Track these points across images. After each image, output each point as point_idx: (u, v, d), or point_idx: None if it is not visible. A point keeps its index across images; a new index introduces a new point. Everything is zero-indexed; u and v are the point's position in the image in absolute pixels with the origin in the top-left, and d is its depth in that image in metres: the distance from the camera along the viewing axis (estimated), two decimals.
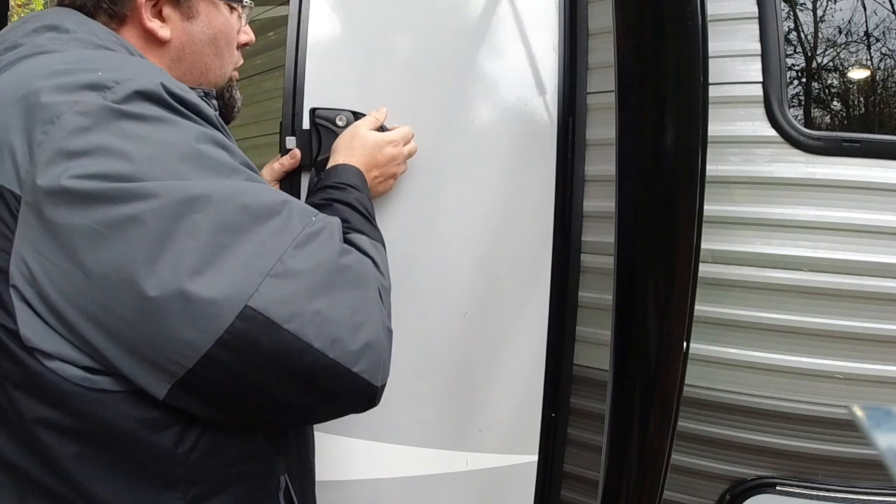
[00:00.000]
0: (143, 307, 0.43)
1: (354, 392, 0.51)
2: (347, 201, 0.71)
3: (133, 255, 0.42)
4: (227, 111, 0.77)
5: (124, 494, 0.49)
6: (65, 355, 0.45)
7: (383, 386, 0.53)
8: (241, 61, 0.77)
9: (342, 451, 1.01)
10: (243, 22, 0.74)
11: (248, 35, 0.75)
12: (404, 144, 0.90)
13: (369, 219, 0.72)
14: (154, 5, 0.62)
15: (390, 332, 0.55)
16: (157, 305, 0.42)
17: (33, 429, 0.45)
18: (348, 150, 0.83)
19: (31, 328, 0.44)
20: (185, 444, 0.50)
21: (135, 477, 0.49)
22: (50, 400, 0.45)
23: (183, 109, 0.49)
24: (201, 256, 0.43)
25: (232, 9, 0.70)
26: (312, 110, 0.91)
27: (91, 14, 0.60)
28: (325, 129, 0.90)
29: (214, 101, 0.69)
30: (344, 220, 0.62)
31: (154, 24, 0.61)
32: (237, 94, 0.78)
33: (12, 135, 0.44)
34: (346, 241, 0.58)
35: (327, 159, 0.85)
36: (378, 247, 0.64)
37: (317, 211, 0.55)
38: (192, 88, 0.62)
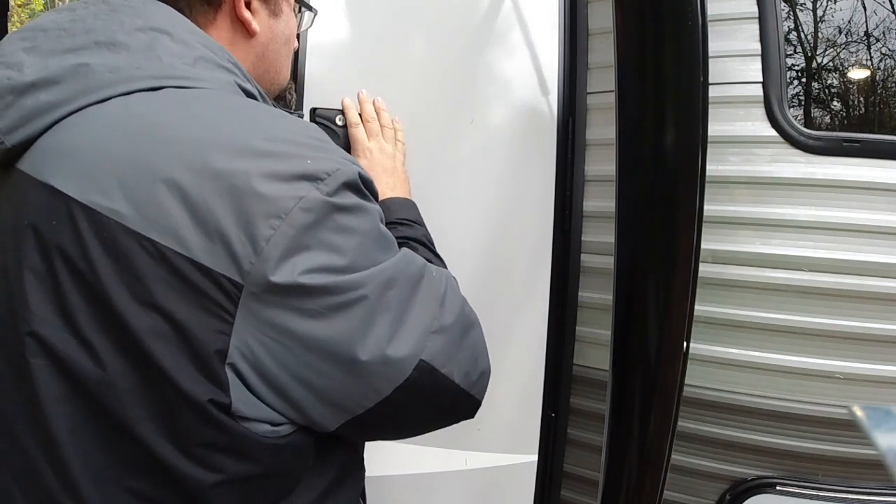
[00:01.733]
0: (354, 369, 0.50)
1: (469, 409, 0.61)
2: (418, 238, 0.76)
3: (351, 330, 0.50)
4: None
5: None
6: (263, 417, 0.50)
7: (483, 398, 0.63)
8: None
9: None
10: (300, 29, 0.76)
11: (296, 43, 0.75)
12: (389, 142, 0.92)
13: (436, 253, 0.77)
14: (249, 11, 0.62)
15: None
16: (365, 367, 0.50)
17: (205, 491, 0.49)
18: (393, 181, 0.86)
19: (241, 400, 0.49)
20: (321, 459, 0.58)
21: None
22: (245, 455, 0.50)
23: (369, 194, 0.55)
24: (393, 325, 0.52)
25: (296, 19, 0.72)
26: (313, 110, 0.91)
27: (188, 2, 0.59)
28: (325, 128, 0.91)
29: (300, 113, 0.75)
30: (427, 260, 0.66)
31: (247, 14, 0.61)
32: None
33: (222, 220, 0.45)
34: None
35: None
36: (451, 283, 0.66)
37: (427, 261, 0.61)
38: (281, 104, 0.70)
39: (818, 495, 0.98)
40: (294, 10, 0.70)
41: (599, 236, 1.08)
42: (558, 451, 1.12)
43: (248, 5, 0.62)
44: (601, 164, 1.08)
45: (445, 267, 0.73)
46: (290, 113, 0.68)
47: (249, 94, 0.58)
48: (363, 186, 0.53)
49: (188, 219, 0.45)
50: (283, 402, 0.51)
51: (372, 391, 0.52)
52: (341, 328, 0.49)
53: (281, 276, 0.46)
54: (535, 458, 1.07)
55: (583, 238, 1.10)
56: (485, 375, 0.61)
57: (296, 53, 0.85)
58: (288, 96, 0.75)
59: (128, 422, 0.46)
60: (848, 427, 0.96)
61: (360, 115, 0.91)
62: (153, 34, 0.53)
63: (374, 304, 0.51)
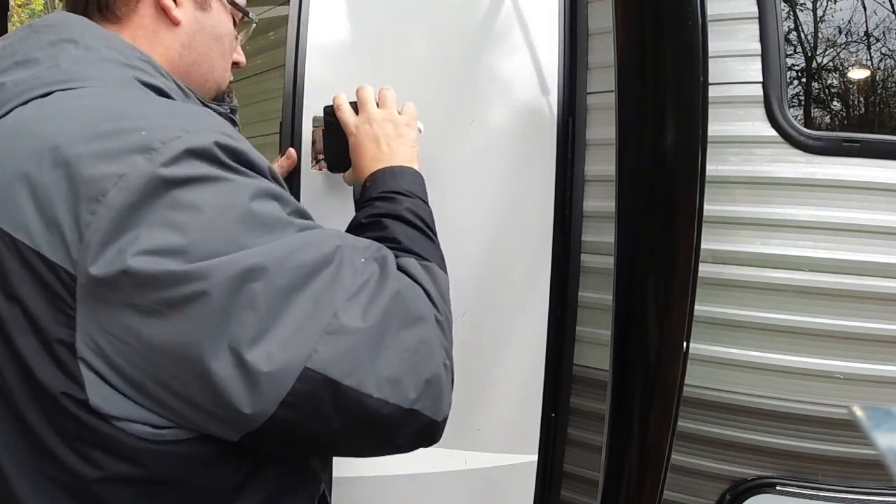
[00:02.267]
0: (209, 382, 0.43)
1: (417, 430, 0.51)
2: (397, 214, 0.65)
3: (195, 332, 0.43)
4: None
5: None
6: (134, 416, 0.46)
7: (445, 419, 0.53)
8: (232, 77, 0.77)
9: None
10: (240, 41, 0.75)
11: (240, 56, 0.75)
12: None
13: (423, 229, 0.66)
14: (179, 5, 0.62)
15: (448, 365, 0.54)
16: (220, 380, 0.43)
17: (91, 485, 0.47)
18: (381, 151, 0.75)
19: (101, 397, 0.45)
20: (241, 471, 0.52)
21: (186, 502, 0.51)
22: (122, 455, 0.46)
23: (236, 165, 0.48)
24: (260, 325, 0.44)
25: (235, 23, 0.71)
26: (326, 108, 0.84)
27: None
28: (334, 126, 0.86)
29: (234, 105, 0.71)
30: (393, 241, 0.60)
31: (170, 8, 0.61)
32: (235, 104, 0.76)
33: (58, 209, 0.43)
34: (398, 267, 0.56)
35: (346, 158, 0.80)
36: (430, 268, 0.59)
37: (368, 244, 0.54)
38: (217, 103, 0.67)
39: (818, 495, 0.98)
40: (228, 13, 0.69)
41: (599, 236, 1.08)
42: (558, 451, 1.12)
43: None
44: (601, 164, 1.08)
45: (434, 252, 0.64)
46: (220, 113, 0.67)
47: (154, 88, 0.55)
48: (225, 155, 0.47)
49: (34, 210, 0.44)
50: (154, 404, 0.46)
51: (247, 413, 0.44)
52: (183, 329, 0.43)
53: (101, 266, 0.42)
54: (535, 457, 1.07)
55: (583, 238, 1.09)
56: (430, 386, 0.51)
57: (297, 57, 0.86)
58: (227, 99, 0.73)
59: (22, 411, 0.46)
60: (848, 427, 0.96)
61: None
62: (61, 45, 0.53)
63: (226, 300, 0.43)
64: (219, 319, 0.43)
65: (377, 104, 0.80)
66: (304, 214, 0.53)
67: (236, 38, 0.73)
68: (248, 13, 0.73)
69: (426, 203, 0.70)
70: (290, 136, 0.95)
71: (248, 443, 0.48)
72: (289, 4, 0.97)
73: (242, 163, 0.49)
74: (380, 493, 1.02)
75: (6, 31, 2.55)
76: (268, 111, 1.67)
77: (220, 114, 0.65)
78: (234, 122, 0.72)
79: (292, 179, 0.94)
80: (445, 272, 0.62)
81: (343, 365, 0.46)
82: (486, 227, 1.02)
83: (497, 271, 1.03)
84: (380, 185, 0.70)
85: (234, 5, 0.70)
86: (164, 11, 0.61)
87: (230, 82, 0.74)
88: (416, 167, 0.74)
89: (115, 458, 0.46)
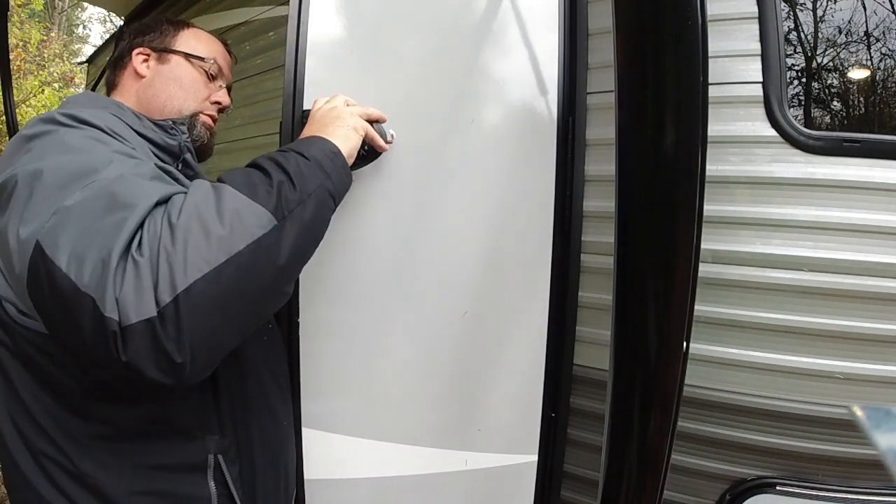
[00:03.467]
0: (8, 251, 0.64)
1: (91, 319, 0.56)
2: (257, 162, 0.75)
3: (6, 217, 0.64)
4: (194, 144, 0.94)
5: (39, 396, 0.71)
6: (9, 297, 0.68)
7: (126, 328, 0.55)
8: (216, 114, 0.98)
9: (342, 450, 1.01)
10: (218, 85, 0.98)
11: (224, 99, 0.98)
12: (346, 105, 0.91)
13: (267, 171, 0.72)
14: (144, 60, 0.94)
15: (138, 259, 0.57)
16: (10, 248, 0.62)
17: None
18: (309, 130, 0.87)
19: None
20: (82, 382, 0.70)
21: (48, 393, 0.71)
22: (3, 325, 0.69)
23: (70, 122, 0.71)
24: (24, 207, 0.62)
25: (203, 70, 0.96)
26: (303, 112, 0.93)
27: (113, 71, 0.96)
28: None
29: (182, 127, 0.91)
30: (232, 175, 0.70)
31: (138, 65, 0.94)
32: (204, 134, 0.95)
33: None
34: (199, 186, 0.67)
35: None
36: (217, 188, 0.66)
37: (100, 166, 0.66)
38: (162, 120, 0.90)
39: (818, 495, 0.98)
40: (188, 60, 0.95)
41: (599, 236, 1.08)
42: (558, 451, 1.12)
43: (146, 61, 0.94)
44: (601, 164, 1.08)
45: (249, 173, 0.71)
46: (200, 146, 0.94)
47: (121, 119, 0.82)
48: (63, 118, 0.72)
49: None
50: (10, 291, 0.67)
51: (16, 265, 0.61)
52: (5, 216, 0.65)
53: None
54: (535, 458, 1.07)
55: (583, 238, 1.09)
56: (105, 265, 0.56)
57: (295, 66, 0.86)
58: (194, 129, 0.94)
59: None
60: (848, 427, 0.96)
61: None
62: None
63: (19, 191, 0.63)
64: (12, 206, 0.63)
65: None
66: (131, 155, 0.71)
67: (213, 78, 0.97)
68: (203, 57, 0.96)
69: (301, 155, 0.77)
70: (291, 135, 0.95)
71: (30, 317, 0.67)
72: (289, 4, 0.97)
73: (78, 121, 0.72)
74: (379, 494, 1.02)
75: (6, 31, 2.55)
76: (268, 111, 1.67)
77: (160, 141, 0.87)
78: (178, 152, 0.90)
79: None
80: (246, 194, 0.66)
81: (51, 237, 0.59)
82: (486, 227, 1.02)
83: (497, 271, 1.03)
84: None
85: (187, 56, 0.95)
86: (135, 70, 0.94)
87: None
88: (332, 140, 0.83)
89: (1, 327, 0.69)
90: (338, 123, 0.86)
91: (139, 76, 0.93)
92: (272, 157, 0.75)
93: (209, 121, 0.97)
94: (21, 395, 0.71)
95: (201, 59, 0.96)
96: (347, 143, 0.84)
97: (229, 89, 1.02)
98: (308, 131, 0.86)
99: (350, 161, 0.84)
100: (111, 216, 0.59)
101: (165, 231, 0.59)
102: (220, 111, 0.99)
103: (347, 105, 0.90)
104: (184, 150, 0.90)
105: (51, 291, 0.58)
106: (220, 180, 0.69)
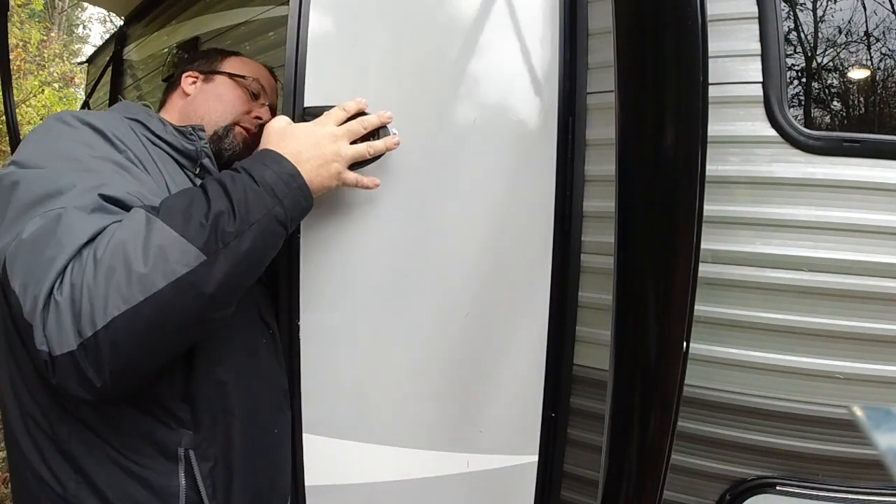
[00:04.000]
0: None
1: (32, 346, 0.64)
2: (205, 185, 0.75)
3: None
4: (220, 151, 1.01)
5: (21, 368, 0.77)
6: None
7: (55, 358, 0.64)
8: (254, 128, 1.06)
9: (343, 455, 1.00)
10: (261, 103, 1.09)
11: (265, 115, 1.07)
12: (337, 125, 0.87)
13: (209, 199, 0.72)
14: (192, 82, 1.06)
15: (58, 298, 0.64)
16: None
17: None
18: (266, 141, 0.86)
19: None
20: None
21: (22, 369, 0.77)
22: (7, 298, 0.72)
23: (73, 123, 0.80)
24: (3, 217, 0.70)
25: (244, 87, 1.06)
26: (304, 109, 0.93)
27: (165, 92, 1.10)
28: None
29: (201, 133, 0.97)
30: (170, 204, 0.72)
31: (186, 86, 1.06)
32: (236, 144, 1.03)
33: None
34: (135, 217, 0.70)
35: None
36: (150, 221, 0.68)
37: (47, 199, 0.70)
38: (183, 126, 0.97)
39: (818, 495, 0.98)
40: (231, 79, 1.06)
41: (599, 236, 1.08)
42: (558, 452, 1.12)
43: (194, 82, 1.06)
44: (601, 164, 1.08)
45: (188, 203, 0.71)
46: (226, 154, 1.01)
47: (145, 125, 0.92)
48: (73, 119, 0.81)
49: None
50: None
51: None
52: None
53: None
54: (535, 458, 1.07)
55: (583, 238, 1.09)
56: (36, 303, 0.64)
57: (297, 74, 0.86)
58: (225, 139, 1.03)
59: None
60: (848, 427, 0.96)
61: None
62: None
63: (3, 190, 0.72)
64: None
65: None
66: (119, 163, 0.79)
67: (256, 97, 1.08)
68: (245, 76, 1.07)
69: (252, 179, 0.76)
70: None
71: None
72: (288, 4, 0.97)
73: (83, 123, 0.80)
74: (380, 499, 1.02)
75: (6, 31, 2.56)
76: None
77: (179, 145, 0.94)
78: (195, 157, 0.96)
79: None
80: (178, 229, 0.68)
81: (11, 259, 0.67)
82: (486, 227, 1.02)
83: (497, 271, 1.03)
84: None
85: (231, 75, 1.07)
86: (182, 89, 1.06)
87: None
88: (284, 155, 0.81)
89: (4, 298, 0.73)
90: (314, 151, 0.83)
91: (185, 95, 1.05)
92: (221, 180, 0.75)
93: (245, 133, 1.04)
94: (17, 356, 0.77)
95: (243, 77, 1.07)
96: (318, 175, 0.82)
97: (273, 109, 1.12)
98: (279, 145, 0.82)
99: (318, 184, 0.83)
100: (48, 252, 0.65)
101: (90, 267, 0.64)
102: (261, 127, 1.00)
103: (339, 125, 0.87)
104: (201, 155, 0.95)
105: (14, 300, 0.67)
106: (161, 205, 0.71)
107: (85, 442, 0.77)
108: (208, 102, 1.03)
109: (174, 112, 1.04)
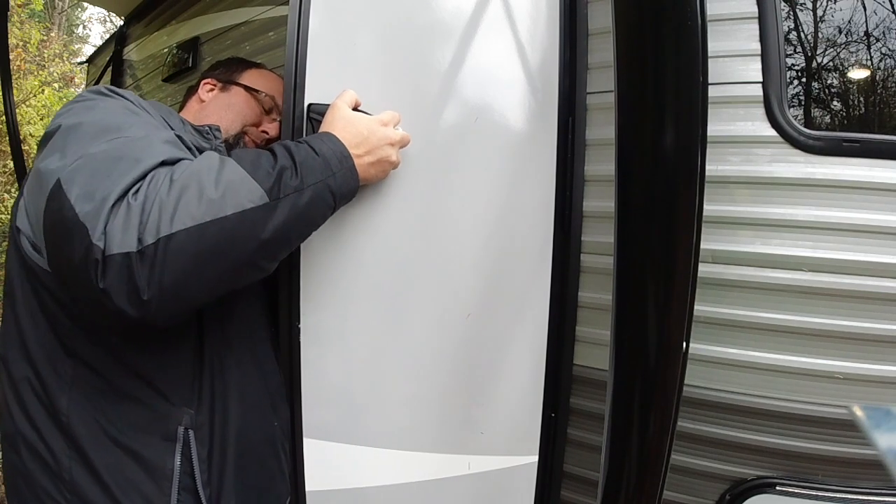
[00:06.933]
0: (36, 174, 0.74)
1: (82, 247, 0.64)
2: (271, 146, 0.81)
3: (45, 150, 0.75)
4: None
5: (38, 324, 0.79)
6: (30, 239, 0.77)
7: (108, 257, 0.63)
8: (260, 142, 1.09)
9: (344, 459, 1.00)
10: (272, 118, 1.10)
11: (273, 131, 1.09)
12: (394, 126, 0.93)
13: (276, 155, 0.78)
14: (210, 89, 1.10)
15: (132, 202, 0.65)
16: (40, 174, 0.72)
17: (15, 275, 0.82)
18: (331, 125, 0.89)
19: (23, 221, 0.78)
20: (72, 318, 0.77)
21: (44, 323, 0.79)
22: (23, 250, 0.78)
23: (110, 94, 0.83)
24: (57, 147, 0.73)
25: (257, 101, 1.09)
26: (308, 106, 0.93)
27: (184, 96, 1.13)
28: (318, 123, 0.91)
29: (218, 133, 1.00)
30: (241, 153, 0.77)
31: (203, 93, 1.10)
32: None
33: None
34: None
35: None
36: (225, 164, 0.72)
37: (120, 130, 0.74)
38: (201, 126, 1.00)
39: (818, 495, 0.98)
40: (246, 91, 1.09)
41: (599, 236, 1.08)
42: (558, 452, 1.12)
43: (212, 90, 1.10)
44: (601, 164, 1.08)
45: (255, 176, 0.74)
46: (210, 139, 1.00)
47: (166, 120, 0.90)
48: (105, 91, 0.83)
49: None
50: (34, 230, 0.77)
51: (41, 198, 0.70)
52: (43, 154, 0.74)
53: None
54: (535, 459, 1.07)
55: (583, 238, 1.10)
56: (104, 202, 0.64)
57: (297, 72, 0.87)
58: (215, 136, 1.03)
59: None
60: (848, 427, 0.96)
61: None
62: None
63: (57, 135, 0.74)
64: (49, 148, 0.74)
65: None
66: (151, 124, 0.81)
67: (268, 112, 1.10)
68: (259, 90, 1.10)
69: (313, 149, 0.82)
70: (291, 134, 0.95)
71: (39, 247, 0.76)
72: (288, 4, 0.97)
73: (113, 93, 0.83)
74: (386, 502, 1.01)
75: (6, 31, 2.55)
76: None
77: (195, 144, 0.94)
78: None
79: None
80: (247, 170, 0.73)
81: (71, 175, 0.67)
82: (487, 227, 1.02)
83: (497, 272, 1.03)
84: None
85: (247, 88, 1.10)
86: (199, 96, 1.10)
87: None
88: (337, 135, 0.87)
89: (19, 255, 0.79)
90: (372, 149, 0.88)
91: (201, 101, 1.09)
92: (286, 144, 0.81)
93: (253, 145, 1.08)
94: (21, 321, 0.79)
95: (257, 91, 1.10)
96: (369, 171, 0.88)
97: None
98: (335, 128, 0.87)
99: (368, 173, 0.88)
100: (121, 165, 0.67)
101: (165, 184, 0.67)
102: (268, 142, 1.08)
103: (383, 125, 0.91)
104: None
105: (58, 218, 0.66)
106: (232, 153, 0.77)
107: (82, 413, 0.78)
108: (220, 110, 1.07)
109: (189, 116, 1.08)
